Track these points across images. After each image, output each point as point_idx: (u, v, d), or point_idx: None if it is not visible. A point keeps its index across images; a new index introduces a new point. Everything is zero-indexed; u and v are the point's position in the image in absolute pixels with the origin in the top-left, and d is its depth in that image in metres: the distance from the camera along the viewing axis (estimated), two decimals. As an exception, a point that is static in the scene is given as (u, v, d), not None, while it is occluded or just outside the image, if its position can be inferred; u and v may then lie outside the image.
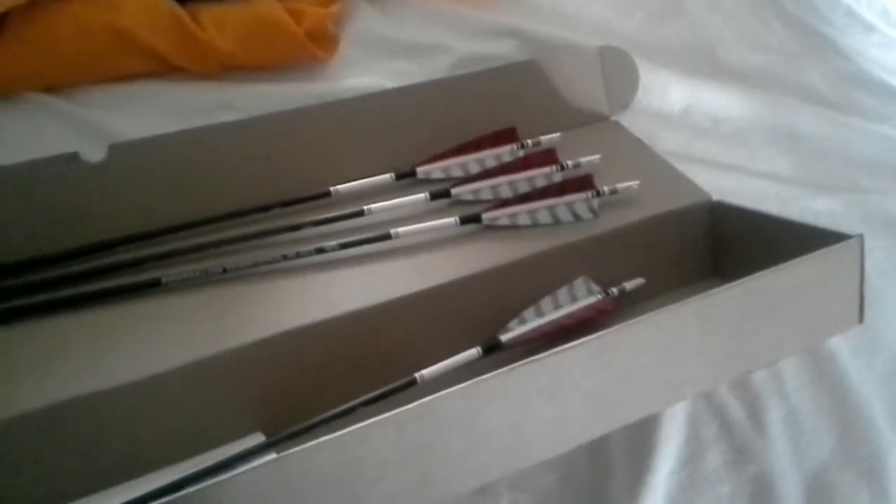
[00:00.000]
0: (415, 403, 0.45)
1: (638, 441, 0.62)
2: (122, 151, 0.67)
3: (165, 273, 0.62)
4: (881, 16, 1.07)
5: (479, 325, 0.62)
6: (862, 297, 0.59)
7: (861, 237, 0.57)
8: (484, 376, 0.46)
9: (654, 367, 0.52)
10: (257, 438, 0.56)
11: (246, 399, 0.58)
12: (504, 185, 0.73)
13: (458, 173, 0.75)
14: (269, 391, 0.58)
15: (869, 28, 1.06)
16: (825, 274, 0.58)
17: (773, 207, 0.68)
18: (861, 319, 0.60)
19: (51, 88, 0.78)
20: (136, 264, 0.63)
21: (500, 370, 0.47)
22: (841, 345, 0.69)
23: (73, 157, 0.65)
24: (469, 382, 0.46)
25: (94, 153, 0.66)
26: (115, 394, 0.53)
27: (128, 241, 0.65)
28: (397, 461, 0.45)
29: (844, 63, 1.01)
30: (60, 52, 0.77)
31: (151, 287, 0.61)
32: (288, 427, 0.53)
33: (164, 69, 0.81)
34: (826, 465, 0.65)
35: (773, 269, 0.55)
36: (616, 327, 0.50)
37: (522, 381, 0.48)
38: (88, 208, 0.66)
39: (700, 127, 0.91)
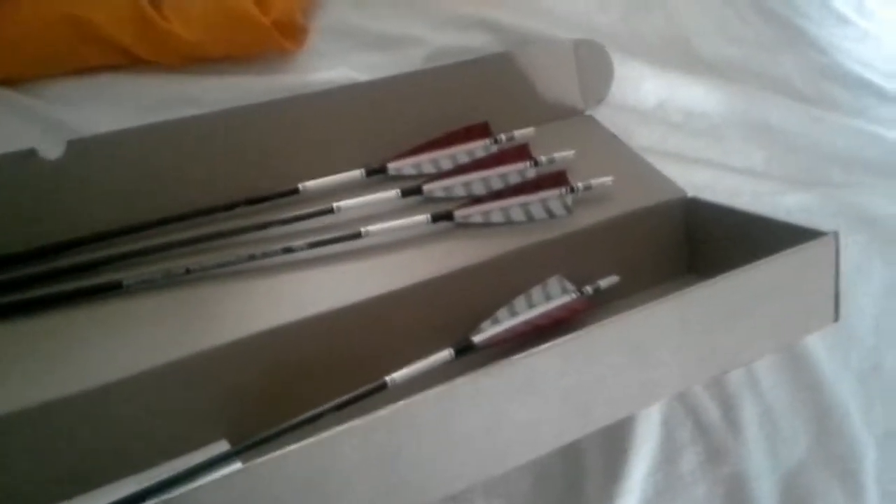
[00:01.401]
0: (384, 409, 0.44)
1: (613, 443, 0.62)
2: (81, 147, 0.65)
3: (127, 275, 0.60)
4: (856, 8, 1.08)
5: (452, 325, 0.61)
6: (837, 295, 0.59)
7: (836, 234, 0.57)
8: (456, 379, 0.46)
9: (629, 368, 0.52)
10: (222, 447, 0.54)
11: (210, 405, 0.56)
12: (477, 181, 0.72)
13: (430, 169, 0.74)
14: (235, 397, 0.57)
15: (843, 21, 1.06)
16: (800, 271, 0.58)
17: (747, 202, 0.68)
18: (837, 318, 0.59)
19: (7, 82, 0.76)
20: (96, 266, 0.62)
21: (472, 373, 0.46)
22: (816, 342, 0.69)
23: (31, 154, 0.63)
24: (441, 386, 0.45)
25: (52, 149, 0.64)
26: (72, 401, 0.52)
27: (87, 241, 0.63)
28: (367, 469, 0.44)
29: (819, 56, 1.01)
30: (18, 44, 0.75)
31: (112, 289, 0.59)
32: (254, 434, 0.52)
33: (126, 61, 0.79)
34: (802, 465, 0.65)
35: (748, 266, 0.54)
36: (590, 327, 0.50)
37: (496, 383, 0.47)
38: (46, 207, 0.64)
39: (674, 121, 0.91)
